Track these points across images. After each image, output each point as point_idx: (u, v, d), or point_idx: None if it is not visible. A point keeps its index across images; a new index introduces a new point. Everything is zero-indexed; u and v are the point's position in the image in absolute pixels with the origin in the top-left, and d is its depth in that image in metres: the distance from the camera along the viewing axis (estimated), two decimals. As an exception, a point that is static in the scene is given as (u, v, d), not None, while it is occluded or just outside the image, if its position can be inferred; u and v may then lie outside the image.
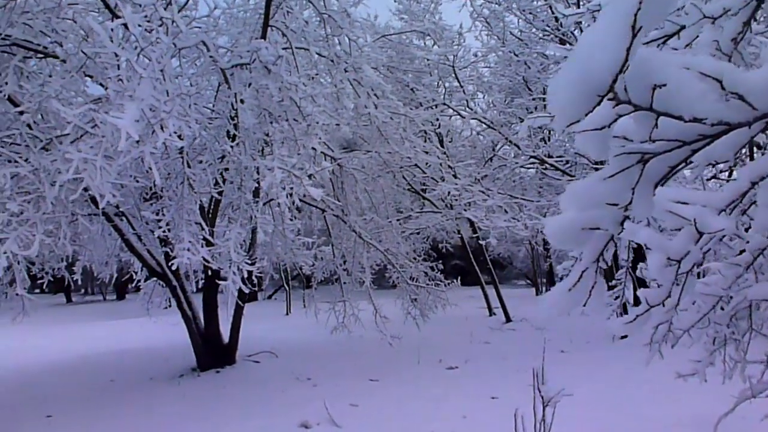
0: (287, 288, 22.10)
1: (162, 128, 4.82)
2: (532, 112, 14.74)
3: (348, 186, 10.67)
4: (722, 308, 4.43)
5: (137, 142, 5.01)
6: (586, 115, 0.98)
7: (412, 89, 13.20)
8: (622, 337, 13.02)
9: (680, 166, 1.27)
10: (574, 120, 0.99)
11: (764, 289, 2.16)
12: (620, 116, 1.10)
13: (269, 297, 29.18)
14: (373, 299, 10.54)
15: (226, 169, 7.26)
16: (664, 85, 1.05)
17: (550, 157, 13.78)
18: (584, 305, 1.38)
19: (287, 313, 21.36)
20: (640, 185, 1.22)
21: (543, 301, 1.42)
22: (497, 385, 8.35)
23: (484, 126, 14.79)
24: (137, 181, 6.79)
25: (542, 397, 4.85)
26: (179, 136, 5.42)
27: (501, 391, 7.92)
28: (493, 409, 7.06)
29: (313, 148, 7.24)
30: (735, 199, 1.86)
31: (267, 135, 7.43)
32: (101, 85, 7.06)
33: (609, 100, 1.01)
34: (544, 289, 25.88)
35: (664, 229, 3.86)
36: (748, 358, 4.82)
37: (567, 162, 14.36)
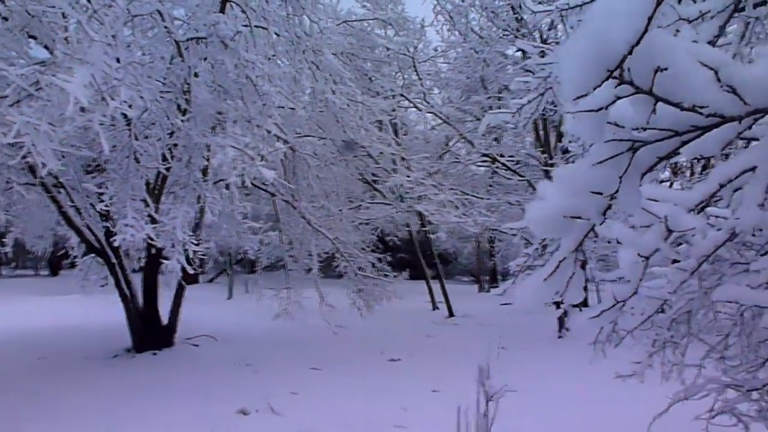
0: (230, 272, 21.70)
1: (112, 97, 4.57)
2: (486, 111, 14.86)
3: (300, 171, 10.50)
4: (663, 311, 4.51)
5: (82, 109, 4.75)
6: (595, 89, 0.91)
7: (370, 78, 13.09)
8: (559, 336, 13.33)
9: (667, 158, 1.24)
10: (582, 93, 0.93)
11: (728, 291, 2.17)
12: (618, 98, 1.04)
13: (211, 280, 28.59)
14: (319, 287, 10.44)
15: (175, 145, 6.99)
16: (666, 69, 1.00)
17: (502, 156, 13.93)
18: (561, 296, 1.33)
19: (229, 298, 20.98)
20: (628, 174, 1.17)
21: (517, 291, 1.37)
22: (439, 378, 8.38)
23: (438, 121, 14.83)
24: (80, 150, 6.45)
25: (486, 392, 4.87)
26: (129, 106, 5.17)
27: (442, 384, 7.95)
28: (434, 403, 7.07)
29: (267, 131, 7.06)
30: (704, 200, 1.86)
31: (220, 113, 7.20)
32: (46, 48, 6.68)
33: (613, 78, 0.95)
34: (486, 286, 26.26)
35: (633, 226, 3.88)
36: (685, 361, 4.95)
37: (518, 162, 14.56)
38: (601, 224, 1.24)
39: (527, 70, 5.64)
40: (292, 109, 9.18)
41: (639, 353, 5.13)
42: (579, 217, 1.25)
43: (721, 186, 1.87)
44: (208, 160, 6.59)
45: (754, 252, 4.46)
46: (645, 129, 1.16)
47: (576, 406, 6.97)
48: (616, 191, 1.19)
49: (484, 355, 5.93)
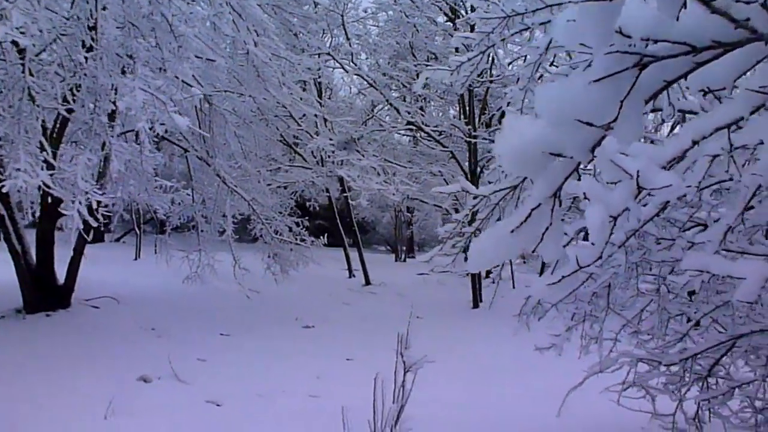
0: (138, 231, 20.61)
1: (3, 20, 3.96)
2: (415, 79, 14.64)
3: (217, 128, 9.88)
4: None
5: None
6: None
7: (296, 34, 12.52)
8: (474, 307, 13.51)
9: (673, 83, 1.00)
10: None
11: (698, 259, 2.02)
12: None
13: (117, 240, 27.16)
14: (233, 250, 9.96)
15: (79, 86, 6.30)
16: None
17: (426, 126, 13.79)
18: (533, 251, 1.09)
19: (136, 258, 19.94)
20: (630, 98, 0.93)
21: (473, 246, 1.11)
22: (353, 346, 8.21)
23: (364, 86, 14.45)
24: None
25: (404, 362, 4.69)
26: (22, 33, 4.53)
27: (357, 352, 7.79)
28: (349, 371, 6.89)
29: (184, 81, 6.49)
30: (676, 156, 1.67)
31: (131, 57, 6.54)
32: None
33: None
34: (403, 256, 26.38)
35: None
36: (603, 335, 4.97)
37: (441, 133, 14.48)
38: (589, 163, 1.00)
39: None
40: (212, 61, 8.57)
41: (557, 326, 5.12)
42: (560, 155, 0.99)
43: (695, 143, 1.70)
44: (114, 103, 5.95)
45: (677, 229, 4.46)
46: (656, 41, 0.92)
47: (492, 377, 6.98)
48: (614, 119, 0.94)
49: (400, 324, 5.76)
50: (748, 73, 1.39)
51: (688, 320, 5.08)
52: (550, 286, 1.49)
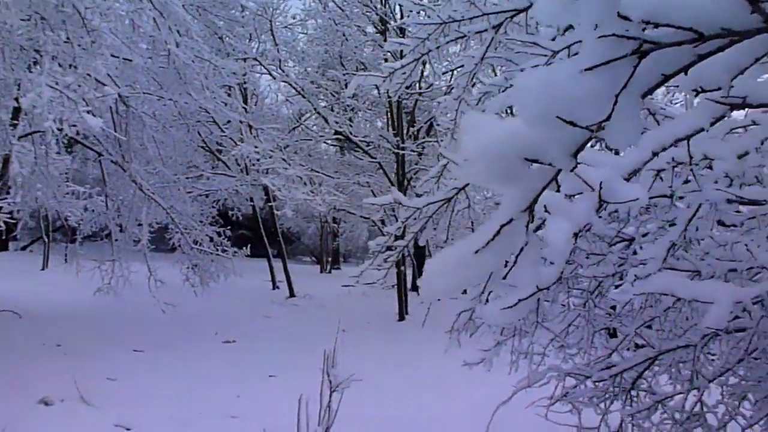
0: (46, 240, 19.32)
1: None
2: (344, 88, 14.49)
3: (134, 131, 9.35)
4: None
5: None
6: None
7: (221, 38, 12.10)
8: (400, 320, 13.42)
9: (670, 78, 0.86)
10: None
11: (662, 281, 1.91)
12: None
13: (23, 248, 25.47)
14: (149, 261, 9.41)
15: (-24, 80, 5.74)
16: None
17: (355, 136, 13.65)
18: (504, 277, 0.92)
19: (43, 269, 18.69)
20: (626, 92, 0.78)
21: (426, 271, 0.93)
22: (276, 362, 7.89)
23: (292, 93, 14.16)
24: None
25: (330, 382, 4.47)
26: None
27: (280, 369, 7.48)
28: (271, 389, 6.59)
29: (96, 79, 6.05)
30: (637, 168, 1.57)
31: (38, 51, 6.04)
32: None
33: None
34: (328, 267, 26.08)
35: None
36: (532, 349, 4.94)
37: (369, 143, 14.38)
38: (571, 170, 0.85)
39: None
40: (129, 60, 8.10)
41: (487, 341, 5.05)
42: (536, 161, 0.84)
43: (654, 154, 1.60)
44: (17, 100, 5.45)
45: (606, 244, 4.47)
46: (657, 26, 0.77)
47: (421, 392, 6.84)
48: (606, 118, 0.79)
49: (325, 338, 5.55)
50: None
51: (611, 334, 5.13)
52: (504, 310, 1.33)
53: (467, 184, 3.79)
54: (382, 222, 16.57)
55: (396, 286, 13.44)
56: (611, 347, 4.64)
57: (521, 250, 0.88)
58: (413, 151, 13.83)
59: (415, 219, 3.76)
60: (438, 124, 15.82)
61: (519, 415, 5.38)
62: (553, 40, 2.29)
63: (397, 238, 3.76)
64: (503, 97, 2.76)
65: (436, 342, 5.12)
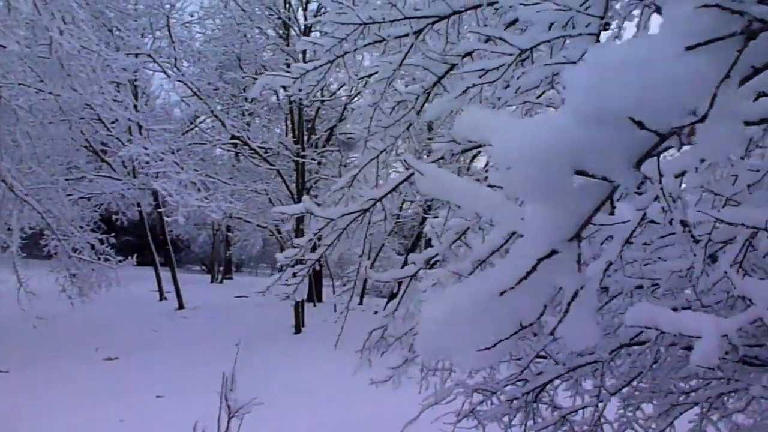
0: None
1: None
2: (243, 91, 13.99)
3: (5, 125, 8.45)
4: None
5: None
6: None
7: (111, 30, 11.26)
8: (297, 332, 13.04)
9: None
10: None
11: (643, 313, 1.77)
12: None
13: None
14: (19, 269, 8.49)
15: None
16: None
17: (253, 141, 13.17)
18: (551, 333, 0.72)
19: None
20: (729, 81, 0.60)
21: (426, 319, 0.71)
22: (165, 381, 7.33)
23: (186, 94, 13.45)
24: None
25: (229, 407, 4.11)
26: None
27: (169, 389, 6.94)
28: (160, 411, 6.07)
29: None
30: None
31: None
32: None
33: None
34: (220, 276, 25.11)
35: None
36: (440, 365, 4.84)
37: (267, 150, 13.96)
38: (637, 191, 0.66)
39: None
40: (2, 47, 7.29)
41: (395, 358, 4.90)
42: (585, 173, 0.64)
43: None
44: None
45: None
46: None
47: (322, 410, 6.56)
48: (702, 118, 0.60)
49: (217, 353, 5.17)
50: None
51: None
52: (480, 353, 1.14)
53: (385, 195, 3.62)
54: (278, 231, 16.13)
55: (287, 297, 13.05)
56: (518, 363, 4.65)
57: (575, 294, 0.68)
58: (314, 160, 13.55)
59: (328, 231, 3.53)
60: (340, 134, 15.68)
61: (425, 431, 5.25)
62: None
63: (284, 247, 3.50)
64: (446, 102, 2.59)
65: (337, 356, 4.91)
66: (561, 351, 4.32)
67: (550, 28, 1.64)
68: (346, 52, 3.56)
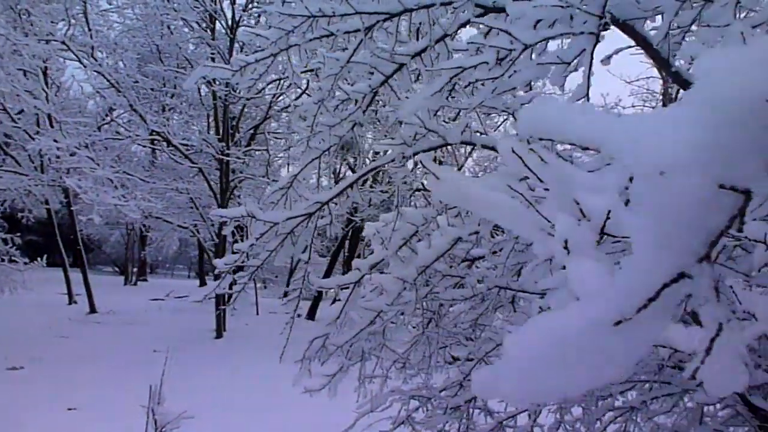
0: None
1: None
2: (165, 85, 13.40)
3: None
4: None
5: None
6: None
7: (20, 14, 10.42)
8: (218, 336, 12.58)
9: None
10: None
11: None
12: None
13: None
14: None
15: None
16: None
17: (174, 137, 12.61)
18: (692, 376, 0.59)
19: None
20: None
21: (519, 365, 0.58)
22: (77, 392, 6.82)
23: (102, 86, 12.70)
24: None
25: (156, 422, 3.82)
26: None
27: (82, 400, 6.46)
28: (72, 425, 5.62)
29: None
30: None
31: None
32: None
33: None
34: (134, 278, 23.99)
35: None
36: (378, 372, 4.76)
37: (190, 147, 13.43)
38: None
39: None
40: None
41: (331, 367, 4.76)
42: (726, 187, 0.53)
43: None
44: None
45: (465, 265, 4.43)
46: None
47: (251, 419, 6.28)
48: None
49: (135, 361, 4.84)
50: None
51: (454, 359, 5.11)
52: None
53: (332, 198, 3.47)
54: (197, 231, 15.53)
55: (212, 298, 12.58)
56: (452, 367, 4.64)
57: (719, 328, 0.56)
58: (239, 158, 13.13)
59: (271, 236, 3.34)
60: (269, 132, 15.30)
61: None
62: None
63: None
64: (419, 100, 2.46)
65: (265, 362, 4.68)
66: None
67: (535, 26, 1.55)
68: (291, 46, 3.38)
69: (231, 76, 3.62)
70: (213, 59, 11.68)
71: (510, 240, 3.82)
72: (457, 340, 4.70)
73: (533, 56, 1.66)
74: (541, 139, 0.95)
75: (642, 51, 2.13)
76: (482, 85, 1.79)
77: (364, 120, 3.76)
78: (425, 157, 0.99)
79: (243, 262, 3.34)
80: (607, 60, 2.44)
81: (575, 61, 1.49)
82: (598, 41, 1.45)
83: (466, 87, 2.21)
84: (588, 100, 1.47)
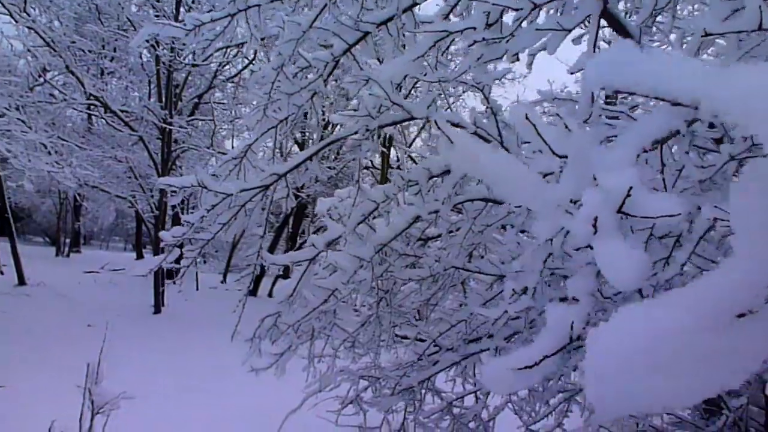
0: None
1: None
2: (104, 47, 12.72)
3: None
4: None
5: None
6: None
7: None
8: (156, 312, 12.19)
9: None
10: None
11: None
12: None
13: None
14: None
15: None
16: None
17: (113, 102, 12.01)
18: None
19: None
20: None
21: (616, 367, 0.47)
22: (4, 370, 6.43)
23: (36, 44, 11.91)
24: None
25: (92, 403, 3.59)
26: None
27: (11, 378, 6.09)
28: (1, 407, 5.28)
29: None
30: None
31: None
32: None
33: None
34: (66, 250, 22.98)
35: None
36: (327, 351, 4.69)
37: (130, 114, 12.83)
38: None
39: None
40: None
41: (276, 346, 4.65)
42: None
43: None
44: None
45: (420, 243, 4.38)
46: None
47: (196, 399, 6.06)
48: None
49: (67, 336, 4.59)
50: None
51: (402, 337, 5.06)
52: (522, 371, 0.91)
53: (290, 171, 3.30)
54: (136, 202, 14.95)
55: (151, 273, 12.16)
56: (401, 346, 4.63)
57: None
58: (182, 128, 12.63)
59: (223, 207, 3.16)
60: (216, 103, 14.78)
61: (308, 419, 5.05)
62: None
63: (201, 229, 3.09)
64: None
65: (203, 339, 4.51)
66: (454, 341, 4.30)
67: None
68: (251, 6, 3.17)
69: (184, 36, 3.38)
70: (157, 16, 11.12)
71: (468, 220, 3.76)
72: (406, 320, 4.65)
73: (523, 23, 1.55)
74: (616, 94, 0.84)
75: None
76: (464, 54, 1.67)
77: (325, 90, 3.59)
78: (440, 117, 0.88)
79: (192, 234, 3.15)
80: (578, 40, 2.37)
81: (578, 30, 1.39)
82: (606, 7, 1.35)
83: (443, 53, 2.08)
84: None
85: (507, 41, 1.46)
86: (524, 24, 1.50)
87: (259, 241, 3.19)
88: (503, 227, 3.91)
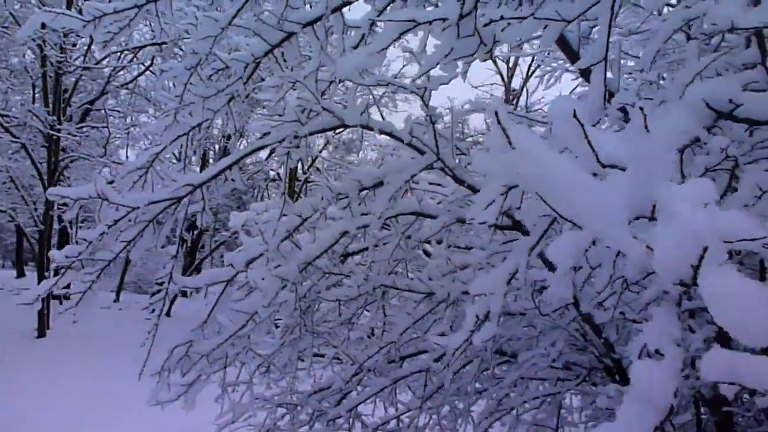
0: None
1: None
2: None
3: None
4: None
5: None
6: None
7: None
8: (40, 336, 11.12)
9: None
10: None
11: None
12: None
13: None
14: None
15: None
16: None
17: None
18: None
19: None
20: None
21: None
22: None
23: None
24: None
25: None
26: None
27: None
28: None
29: None
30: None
31: None
32: None
33: None
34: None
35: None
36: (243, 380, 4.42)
37: (11, 119, 11.73)
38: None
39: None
40: None
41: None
42: None
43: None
44: None
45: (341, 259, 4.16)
46: None
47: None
48: None
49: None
50: None
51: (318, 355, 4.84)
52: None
53: (207, 181, 2.96)
54: (16, 215, 13.67)
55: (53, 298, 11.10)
56: (318, 368, 4.45)
57: None
58: (71, 135, 11.65)
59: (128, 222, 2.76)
60: (109, 110, 13.80)
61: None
62: None
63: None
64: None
65: (94, 366, 4.05)
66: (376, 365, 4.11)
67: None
68: (157, -1, 2.81)
69: (83, 27, 2.95)
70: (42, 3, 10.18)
71: (396, 235, 3.58)
72: (325, 341, 4.44)
73: (503, 15, 1.35)
74: None
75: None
76: (434, 47, 1.46)
77: (244, 93, 3.28)
78: (501, 109, 0.70)
79: (88, 255, 2.72)
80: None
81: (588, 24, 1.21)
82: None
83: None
84: (607, 64, 1.20)
85: (502, 30, 1.26)
86: (505, 16, 1.31)
87: (172, 261, 2.81)
88: (428, 242, 3.77)
